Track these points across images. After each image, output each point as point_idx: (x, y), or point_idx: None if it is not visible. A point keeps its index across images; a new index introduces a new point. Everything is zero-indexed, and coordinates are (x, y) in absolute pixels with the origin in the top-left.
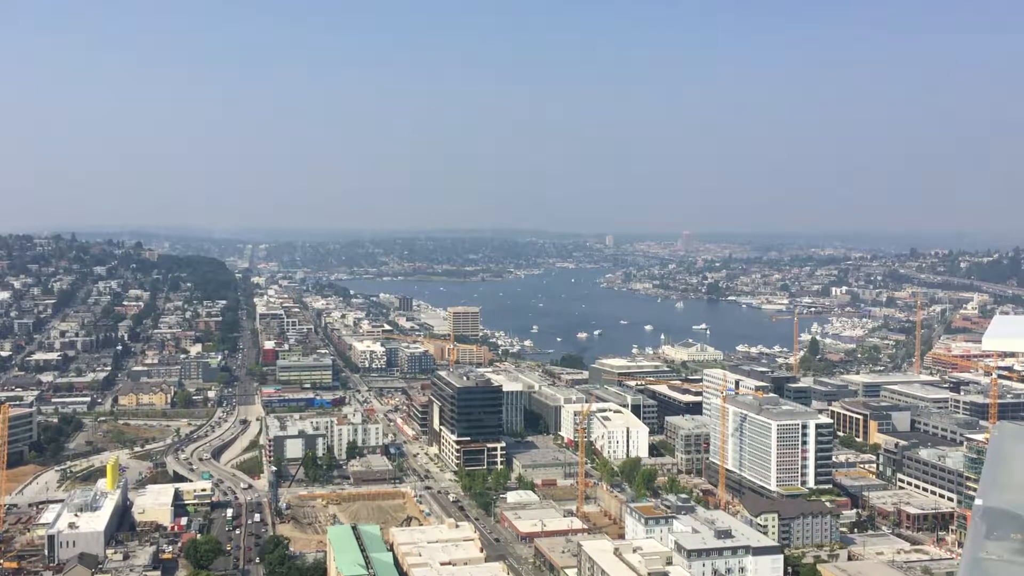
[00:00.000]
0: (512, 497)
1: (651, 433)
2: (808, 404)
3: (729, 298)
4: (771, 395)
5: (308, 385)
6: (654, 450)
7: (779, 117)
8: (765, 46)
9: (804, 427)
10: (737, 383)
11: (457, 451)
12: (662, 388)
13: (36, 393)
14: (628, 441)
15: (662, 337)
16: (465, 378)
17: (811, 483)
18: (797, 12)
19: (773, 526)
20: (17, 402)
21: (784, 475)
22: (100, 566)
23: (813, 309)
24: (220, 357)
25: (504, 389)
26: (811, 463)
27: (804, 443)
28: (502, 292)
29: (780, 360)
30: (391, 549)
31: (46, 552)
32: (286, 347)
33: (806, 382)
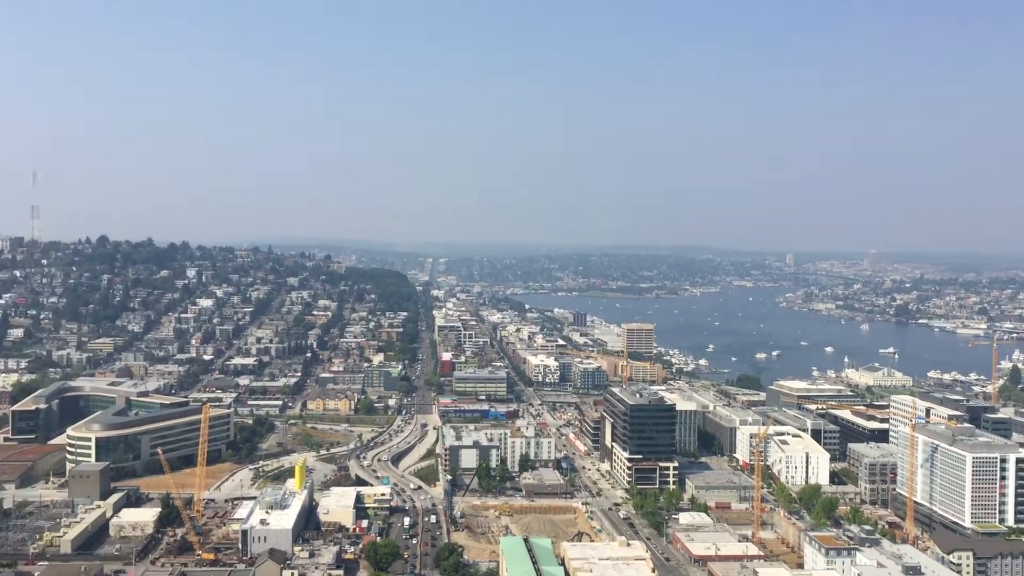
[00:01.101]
0: (685, 518)
1: (832, 460)
2: (1008, 436)
3: (920, 321)
4: (966, 425)
5: (483, 397)
6: (835, 478)
7: (975, 132)
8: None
9: (1003, 461)
10: (928, 411)
11: (629, 468)
12: (845, 413)
13: (234, 395)
14: (807, 467)
15: (845, 360)
16: (638, 395)
17: (1011, 521)
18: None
19: (968, 565)
20: (217, 403)
21: (980, 511)
22: (288, 562)
23: (1015, 335)
24: (400, 367)
25: (678, 408)
26: (1010, 499)
27: (1003, 478)
28: (677, 310)
29: (976, 388)
30: (562, 563)
31: (240, 546)
32: (463, 359)
33: (1006, 413)
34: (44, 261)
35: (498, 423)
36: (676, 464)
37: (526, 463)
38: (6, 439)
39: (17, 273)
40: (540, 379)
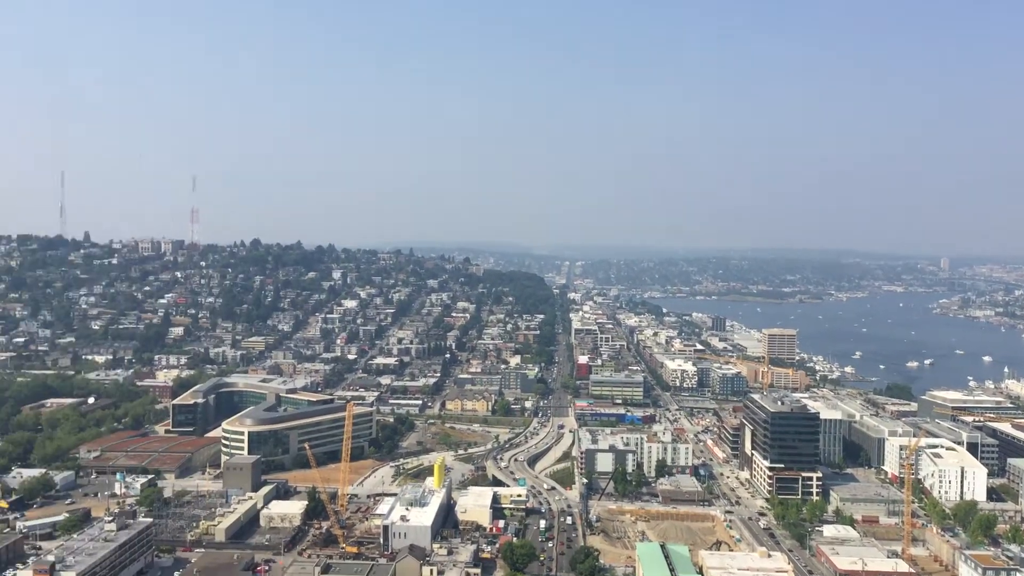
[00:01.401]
0: (829, 531)
1: (990, 475)
2: None
3: None
4: None
5: (619, 400)
6: (993, 494)
7: None
8: None
9: None
10: None
11: (769, 478)
12: (1004, 426)
13: (376, 394)
14: (962, 482)
15: (1005, 370)
16: (780, 403)
17: None
18: None
19: None
20: (360, 401)
21: None
22: (427, 558)
23: None
24: (537, 369)
25: (821, 416)
26: None
27: None
28: (821, 315)
29: None
30: (700, 572)
31: (381, 540)
32: (599, 362)
33: None
34: (202, 263)
35: (634, 427)
36: (820, 475)
37: (662, 469)
38: (167, 431)
39: (178, 274)
40: (677, 384)
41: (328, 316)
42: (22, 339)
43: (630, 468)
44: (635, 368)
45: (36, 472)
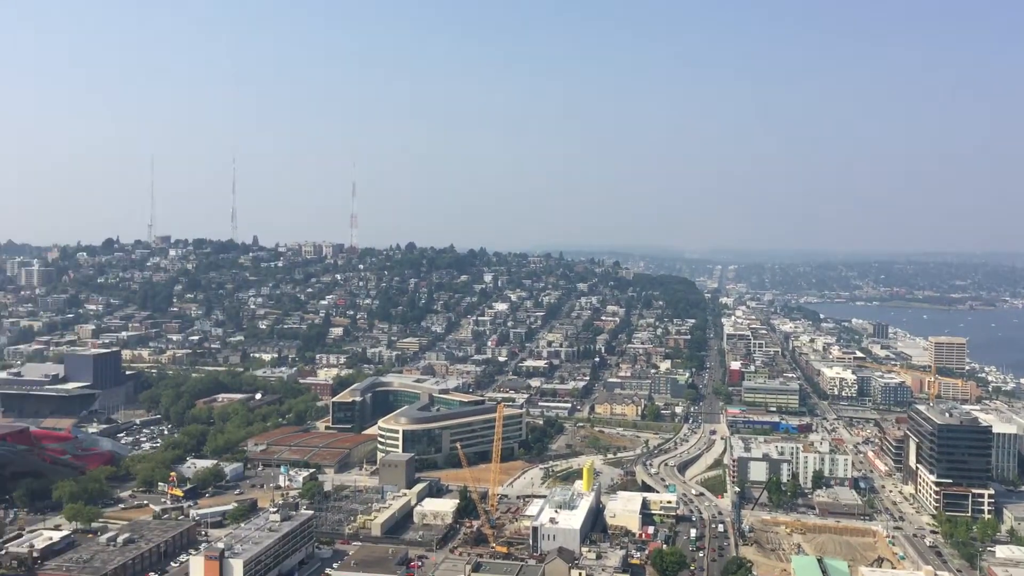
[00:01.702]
0: (1003, 552)
1: None
2: None
3: None
4: None
5: (773, 408)
6: None
7: None
8: None
9: None
10: None
11: (936, 493)
12: None
13: (526, 396)
14: None
15: None
16: (948, 414)
17: None
18: None
19: None
20: (510, 403)
21: None
22: (576, 562)
23: None
24: (688, 374)
25: (994, 430)
26: None
27: None
28: (994, 323)
29: None
30: None
31: (530, 542)
32: (752, 368)
33: None
34: (360, 266)
35: (789, 436)
36: (992, 492)
37: (819, 480)
38: (327, 427)
39: (338, 277)
40: (835, 393)
41: (480, 318)
42: (197, 337)
43: (785, 478)
44: (790, 375)
45: (208, 463)
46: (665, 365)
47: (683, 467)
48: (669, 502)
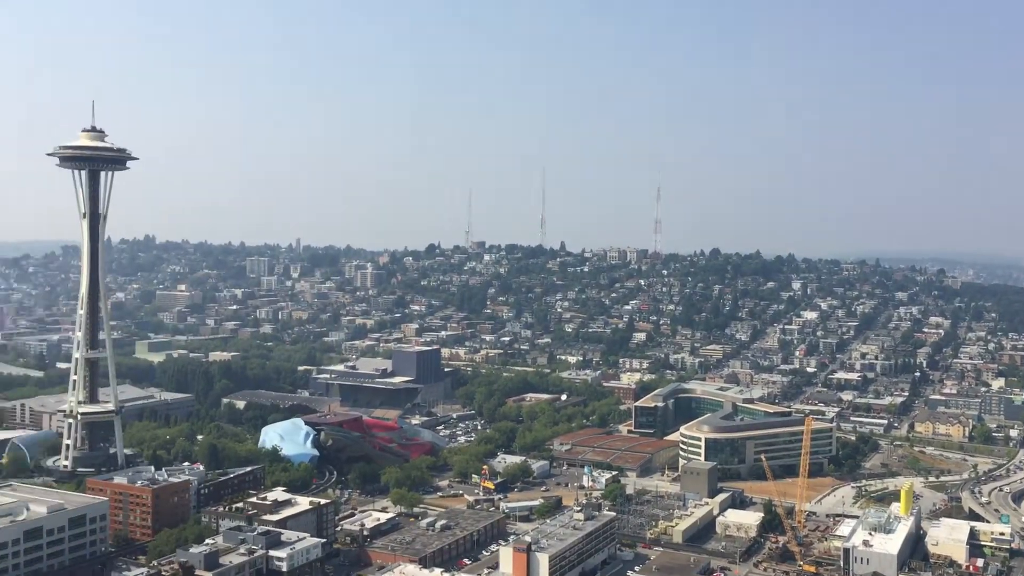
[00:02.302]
0: None
1: None
2: None
3: None
4: None
5: None
6: None
7: None
8: None
9: None
10: None
11: None
12: None
13: (836, 410)
14: None
15: None
16: None
17: None
18: None
19: None
20: (819, 416)
21: None
22: None
23: None
24: None
25: None
26: None
27: None
28: None
29: None
30: None
31: (841, 564)
32: None
33: None
34: (664, 272)
35: None
36: None
37: None
38: (629, 431)
39: (642, 282)
40: None
41: (787, 327)
42: (508, 338)
43: None
44: None
45: (517, 459)
46: (998, 383)
47: (1018, 497)
48: (1002, 533)
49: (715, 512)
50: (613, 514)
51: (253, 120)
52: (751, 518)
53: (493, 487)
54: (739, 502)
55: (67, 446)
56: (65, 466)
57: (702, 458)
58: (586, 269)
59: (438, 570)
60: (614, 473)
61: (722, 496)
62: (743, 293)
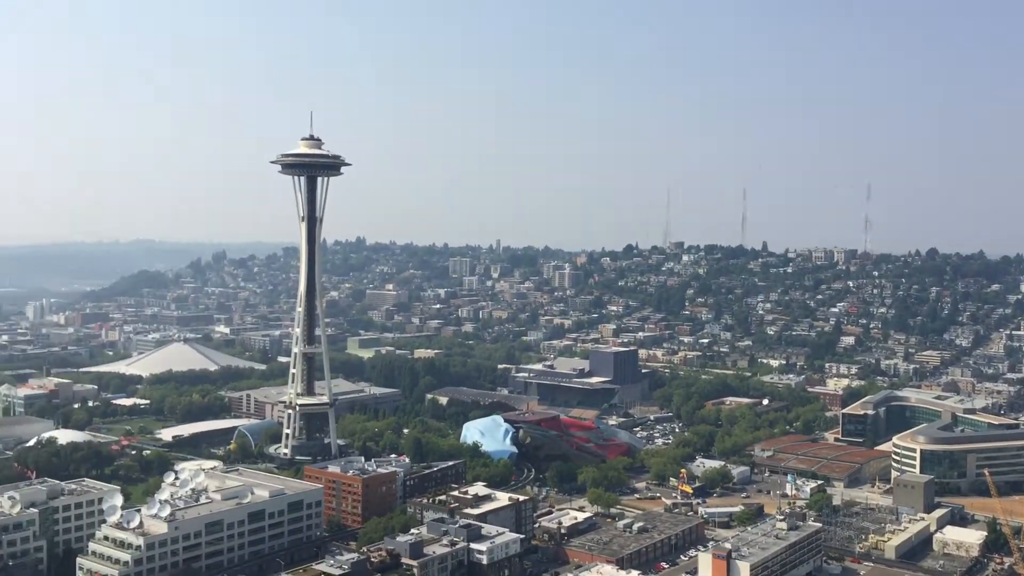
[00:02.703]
0: None
1: None
2: None
3: None
4: None
5: None
6: None
7: None
8: None
9: None
10: None
11: None
12: None
13: None
14: None
15: None
16: None
17: None
18: None
19: None
20: None
21: None
22: None
23: None
24: None
25: None
26: None
27: None
28: None
29: None
30: None
31: None
32: None
33: None
34: (875, 273)
35: None
36: None
37: None
38: (836, 439)
39: (850, 284)
40: None
41: (1014, 332)
42: (707, 340)
43: None
44: None
45: (716, 463)
46: None
47: None
48: None
49: (932, 528)
50: (819, 525)
51: (454, 125)
52: (972, 536)
53: (691, 491)
54: (959, 518)
55: (286, 435)
56: (285, 454)
57: (917, 470)
58: (790, 270)
59: (635, 572)
60: (819, 482)
61: (940, 511)
62: (964, 296)
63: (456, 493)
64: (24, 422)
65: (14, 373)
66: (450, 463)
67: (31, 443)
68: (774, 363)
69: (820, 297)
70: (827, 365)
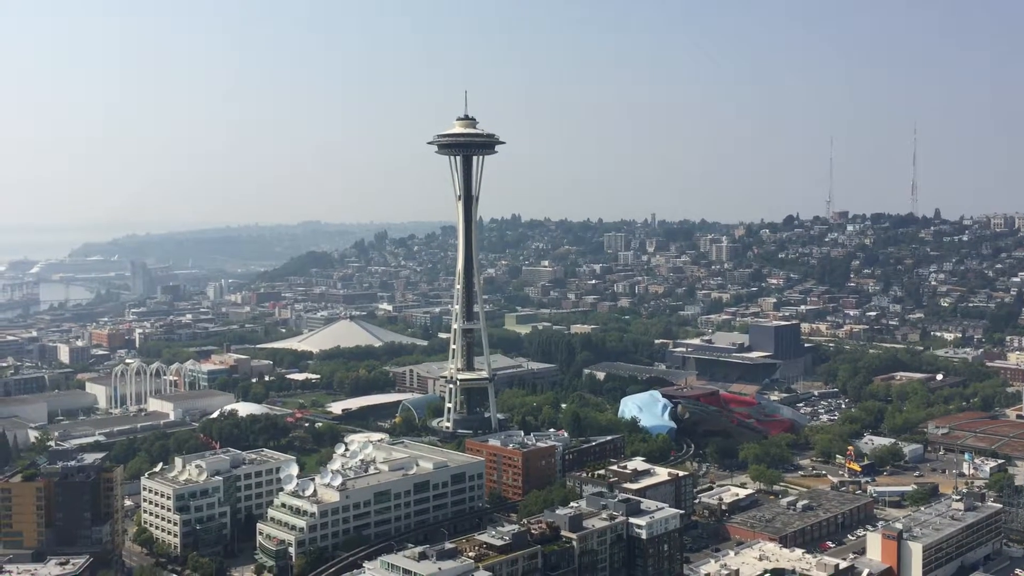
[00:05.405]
0: None
1: None
2: None
3: None
4: None
5: None
6: None
7: None
8: None
9: None
10: None
11: None
12: None
13: None
14: None
15: None
16: None
17: None
18: None
19: None
20: None
21: None
22: None
23: None
24: None
25: None
26: None
27: None
28: None
29: None
30: None
31: None
32: None
33: None
34: None
35: None
36: None
37: None
38: (1019, 416)
39: None
40: None
41: None
42: (874, 313)
43: None
44: None
45: (886, 441)
46: None
47: None
48: None
49: None
50: (999, 506)
51: (608, 104)
52: None
53: (860, 469)
54: None
55: (448, 409)
56: (447, 427)
57: None
58: (965, 238)
59: (799, 551)
60: (1000, 461)
61: None
62: None
63: (615, 467)
64: (208, 395)
65: (198, 349)
66: (608, 438)
67: (215, 415)
68: (948, 336)
69: (1000, 266)
70: (1008, 338)
